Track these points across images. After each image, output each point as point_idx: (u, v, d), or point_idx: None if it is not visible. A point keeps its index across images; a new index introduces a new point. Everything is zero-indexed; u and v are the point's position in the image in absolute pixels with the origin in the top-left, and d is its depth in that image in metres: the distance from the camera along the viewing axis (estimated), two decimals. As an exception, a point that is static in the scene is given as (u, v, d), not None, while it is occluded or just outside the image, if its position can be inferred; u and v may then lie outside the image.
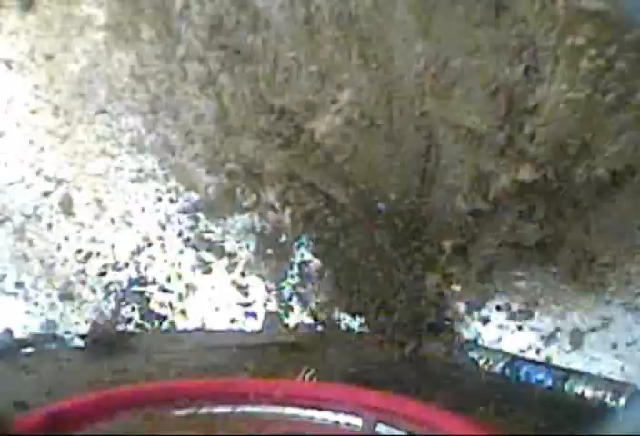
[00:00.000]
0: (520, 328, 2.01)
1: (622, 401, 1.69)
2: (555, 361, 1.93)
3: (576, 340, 1.94)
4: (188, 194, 2.29)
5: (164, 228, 2.31)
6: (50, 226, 2.29)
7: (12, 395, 1.63)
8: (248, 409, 1.61)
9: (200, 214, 2.29)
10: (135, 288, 2.29)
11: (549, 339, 1.98)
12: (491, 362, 1.93)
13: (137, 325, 2.27)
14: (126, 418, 1.52)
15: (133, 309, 2.27)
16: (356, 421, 1.54)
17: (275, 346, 2.14)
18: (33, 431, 1.39)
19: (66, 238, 2.29)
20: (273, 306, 2.25)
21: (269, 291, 2.27)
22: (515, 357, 1.93)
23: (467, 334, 2.08)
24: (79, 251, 2.28)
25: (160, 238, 2.31)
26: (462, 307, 2.09)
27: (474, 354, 1.98)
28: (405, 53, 1.87)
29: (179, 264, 2.31)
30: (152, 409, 1.56)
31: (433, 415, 1.51)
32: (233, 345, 2.14)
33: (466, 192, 1.94)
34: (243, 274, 2.29)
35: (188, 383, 1.74)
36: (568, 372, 1.81)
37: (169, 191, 2.30)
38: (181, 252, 2.31)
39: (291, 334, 2.30)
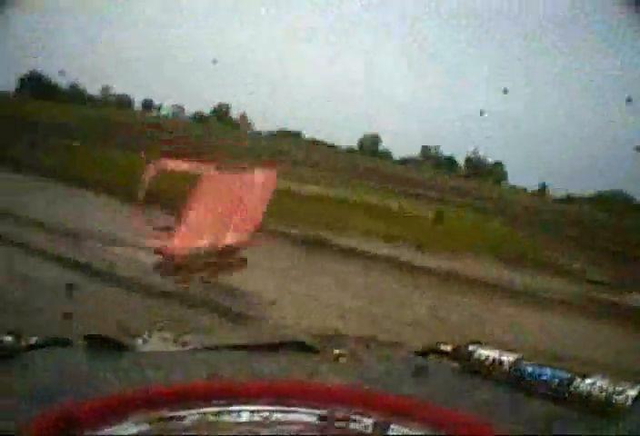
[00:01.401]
0: None
1: (628, 401, 1.69)
2: None
3: None
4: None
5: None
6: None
7: (15, 398, 1.65)
8: (254, 410, 1.63)
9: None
10: None
11: None
12: (497, 363, 1.93)
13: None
14: (134, 420, 1.53)
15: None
16: (368, 422, 1.57)
17: (282, 346, 2.15)
18: (42, 433, 1.40)
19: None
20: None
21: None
22: (521, 358, 1.93)
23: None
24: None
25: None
26: None
27: (480, 355, 1.99)
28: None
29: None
30: (159, 410, 1.58)
31: (443, 417, 1.56)
32: (236, 344, 2.17)
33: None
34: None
35: (193, 385, 1.75)
36: (574, 373, 1.81)
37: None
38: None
39: (297, 335, 2.38)
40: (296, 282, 11.87)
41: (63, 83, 77.19)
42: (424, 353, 2.16)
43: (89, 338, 2.13)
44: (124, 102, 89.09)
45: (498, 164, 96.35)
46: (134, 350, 2.09)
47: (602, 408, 1.70)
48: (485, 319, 12.37)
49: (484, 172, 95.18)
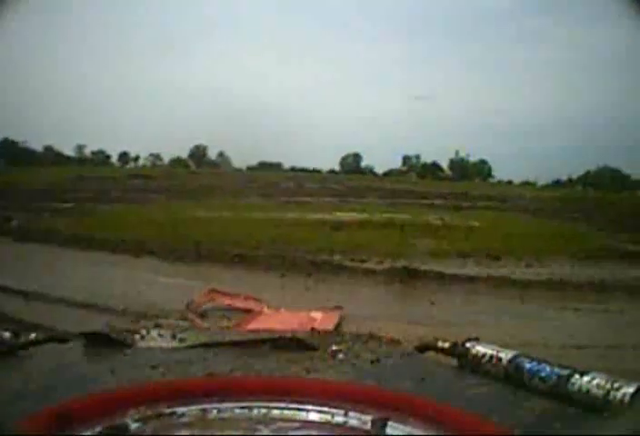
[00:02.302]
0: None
1: (625, 398, 1.64)
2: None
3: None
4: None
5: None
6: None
7: (14, 394, 1.66)
8: (252, 406, 1.61)
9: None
10: None
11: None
12: (495, 360, 1.90)
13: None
14: (132, 416, 1.52)
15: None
16: (366, 419, 1.55)
17: (278, 343, 2.14)
18: (41, 429, 1.40)
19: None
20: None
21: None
22: (519, 354, 1.89)
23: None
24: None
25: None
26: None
27: (477, 351, 1.96)
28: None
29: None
30: (158, 407, 1.56)
31: (441, 413, 1.54)
32: (234, 342, 2.17)
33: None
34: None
35: (191, 382, 1.75)
36: (572, 370, 1.77)
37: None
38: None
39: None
40: (419, 326, 10.18)
41: (38, 146, 77.27)
42: (421, 350, 2.17)
43: (87, 335, 2.13)
44: (100, 157, 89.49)
45: (483, 162, 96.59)
46: (132, 347, 2.09)
47: (600, 405, 1.66)
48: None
49: (470, 171, 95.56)
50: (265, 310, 11.27)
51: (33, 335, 2.08)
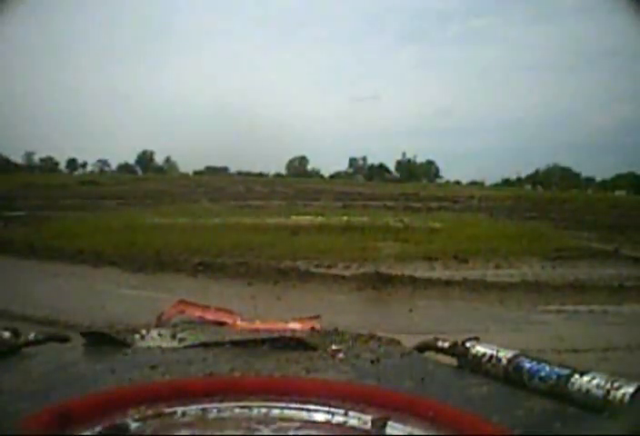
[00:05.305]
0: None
1: (625, 398, 1.63)
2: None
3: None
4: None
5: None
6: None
7: (14, 394, 1.63)
8: (252, 406, 1.60)
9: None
10: None
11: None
12: (494, 360, 1.89)
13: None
14: (132, 416, 1.51)
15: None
16: (366, 419, 1.54)
17: (278, 343, 2.13)
18: (41, 429, 1.39)
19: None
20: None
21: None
22: (518, 354, 1.89)
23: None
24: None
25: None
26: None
27: (477, 351, 1.95)
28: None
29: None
30: (158, 406, 1.55)
31: (441, 413, 1.54)
32: (235, 342, 2.15)
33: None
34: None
35: (191, 382, 1.73)
36: (572, 370, 1.76)
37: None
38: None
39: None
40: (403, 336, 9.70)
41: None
42: (421, 350, 2.16)
43: (87, 335, 2.12)
44: (49, 164, 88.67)
45: (430, 163, 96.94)
46: (132, 346, 2.08)
47: (600, 405, 1.65)
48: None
49: (417, 172, 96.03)
50: (239, 322, 10.72)
51: (33, 335, 2.07)
